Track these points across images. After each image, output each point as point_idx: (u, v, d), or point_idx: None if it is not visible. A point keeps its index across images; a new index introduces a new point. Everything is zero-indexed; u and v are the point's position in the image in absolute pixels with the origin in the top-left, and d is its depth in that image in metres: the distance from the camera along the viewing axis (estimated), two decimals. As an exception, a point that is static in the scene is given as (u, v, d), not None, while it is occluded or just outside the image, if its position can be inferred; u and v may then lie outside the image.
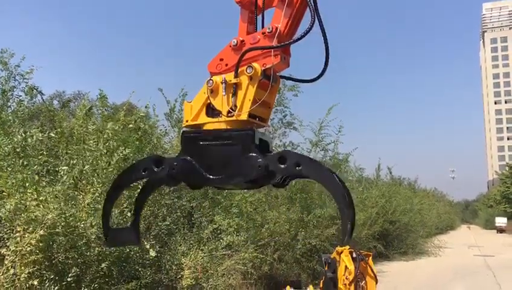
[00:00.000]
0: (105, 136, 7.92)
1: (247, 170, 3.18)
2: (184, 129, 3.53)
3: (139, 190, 4.05)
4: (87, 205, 7.09)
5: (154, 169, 3.44)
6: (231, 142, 3.25)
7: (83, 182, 7.49)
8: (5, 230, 5.94)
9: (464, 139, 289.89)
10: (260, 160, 3.16)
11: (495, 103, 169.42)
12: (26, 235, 5.74)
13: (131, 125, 8.61)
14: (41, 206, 5.97)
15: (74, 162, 7.33)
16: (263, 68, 3.23)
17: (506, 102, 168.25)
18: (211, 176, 3.29)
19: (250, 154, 3.19)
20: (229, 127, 3.28)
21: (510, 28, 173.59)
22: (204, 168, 3.30)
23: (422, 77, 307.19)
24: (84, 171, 7.30)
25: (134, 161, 8.23)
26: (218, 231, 10.49)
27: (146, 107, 9.93)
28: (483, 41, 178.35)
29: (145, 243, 7.81)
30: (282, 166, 3.16)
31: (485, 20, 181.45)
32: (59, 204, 6.19)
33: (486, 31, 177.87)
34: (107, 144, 7.81)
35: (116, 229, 4.50)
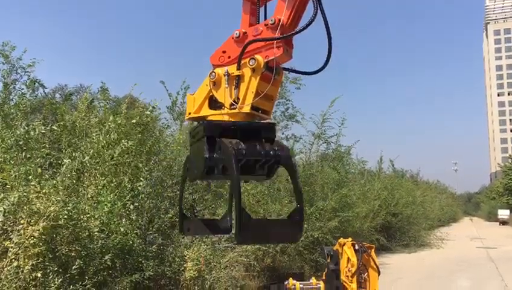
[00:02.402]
0: (106, 128, 7.92)
1: (198, 163, 3.18)
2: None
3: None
4: (90, 197, 7.11)
5: None
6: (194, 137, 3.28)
7: (86, 174, 7.50)
8: (9, 223, 5.95)
9: (467, 132, 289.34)
10: (206, 153, 3.13)
11: (498, 95, 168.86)
12: (29, 228, 5.76)
13: (134, 121, 8.61)
14: (43, 198, 5.99)
15: (76, 154, 7.34)
16: (266, 60, 3.21)
17: (509, 94, 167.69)
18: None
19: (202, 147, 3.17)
20: (232, 120, 3.27)
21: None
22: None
23: (423, 69, 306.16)
24: (85, 164, 7.31)
25: (135, 154, 8.25)
26: (221, 224, 10.50)
27: (154, 107, 9.81)
28: (486, 33, 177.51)
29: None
30: (217, 156, 3.13)
31: (488, 11, 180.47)
32: (60, 196, 6.20)
33: (489, 23, 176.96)
34: (107, 136, 7.81)
35: (196, 219, 4.58)
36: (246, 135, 3.25)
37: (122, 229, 7.10)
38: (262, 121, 3.53)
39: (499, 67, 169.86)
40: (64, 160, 7.05)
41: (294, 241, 4.06)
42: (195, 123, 3.46)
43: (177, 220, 9.69)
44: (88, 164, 7.43)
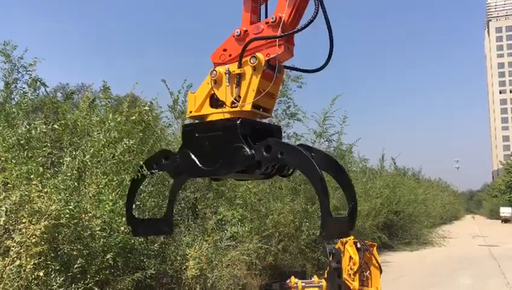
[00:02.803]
0: (106, 126, 7.91)
1: (234, 160, 3.18)
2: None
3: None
4: (92, 196, 7.11)
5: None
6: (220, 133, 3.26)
7: (87, 173, 7.50)
8: (11, 222, 5.95)
9: (469, 129, 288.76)
10: (247, 150, 3.14)
11: (500, 93, 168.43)
12: (30, 227, 5.76)
13: (133, 118, 8.60)
14: (44, 197, 5.98)
15: (77, 153, 7.34)
16: (267, 58, 3.21)
17: (511, 91, 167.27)
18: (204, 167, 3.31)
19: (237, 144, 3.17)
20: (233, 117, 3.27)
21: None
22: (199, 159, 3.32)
23: (425, 66, 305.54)
24: (85, 162, 7.30)
25: (137, 152, 8.25)
26: (223, 222, 10.52)
27: (151, 102, 9.88)
28: (488, 30, 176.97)
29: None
30: (266, 155, 3.15)
31: (489, 8, 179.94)
32: (61, 195, 6.20)
33: (491, 20, 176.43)
34: (108, 134, 7.80)
35: (144, 219, 4.64)
36: (263, 135, 3.27)
37: (122, 228, 7.09)
38: (270, 123, 3.55)
39: (501, 65, 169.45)
40: (65, 158, 7.04)
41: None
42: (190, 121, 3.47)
43: (178, 219, 9.72)
44: (89, 163, 7.42)
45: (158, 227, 3.98)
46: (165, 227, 3.88)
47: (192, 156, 3.29)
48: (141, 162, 5.26)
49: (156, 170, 3.88)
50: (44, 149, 7.12)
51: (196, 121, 3.50)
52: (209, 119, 3.37)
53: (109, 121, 7.93)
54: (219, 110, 3.34)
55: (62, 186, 6.34)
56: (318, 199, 3.15)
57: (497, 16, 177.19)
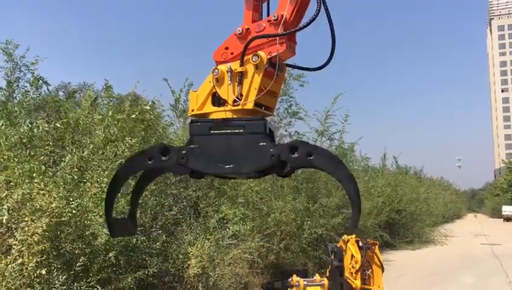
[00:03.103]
0: (105, 123, 7.92)
1: (259, 159, 3.18)
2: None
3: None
4: (94, 194, 7.12)
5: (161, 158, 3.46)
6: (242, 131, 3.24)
7: (89, 171, 7.51)
8: (13, 220, 5.97)
9: (471, 128, 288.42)
10: (272, 149, 3.15)
11: (502, 91, 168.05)
12: (32, 225, 5.77)
13: (134, 116, 8.61)
14: (46, 195, 6.00)
15: (77, 150, 7.36)
16: (269, 56, 3.20)
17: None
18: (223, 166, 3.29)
19: (262, 143, 3.18)
20: (235, 116, 3.26)
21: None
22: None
23: (426, 65, 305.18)
24: (85, 158, 7.30)
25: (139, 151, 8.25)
26: (225, 221, 10.53)
27: (153, 102, 9.88)
28: (490, 29, 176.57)
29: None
30: (293, 156, 3.15)
31: (492, 7, 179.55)
32: (62, 193, 6.21)
33: (493, 18, 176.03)
34: (107, 130, 7.82)
35: (119, 219, 4.53)
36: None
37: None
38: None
39: (503, 63, 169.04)
40: (66, 156, 7.06)
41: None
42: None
43: (181, 217, 9.73)
44: (89, 160, 7.43)
45: (127, 227, 3.88)
46: (131, 227, 3.81)
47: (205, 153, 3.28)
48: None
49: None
50: (46, 148, 7.14)
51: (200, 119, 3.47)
52: (211, 117, 3.36)
53: (108, 118, 7.94)
54: (221, 108, 3.33)
55: (61, 183, 6.35)
56: (350, 199, 3.23)
57: (500, 14, 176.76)
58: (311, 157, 3.12)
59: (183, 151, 3.32)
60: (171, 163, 3.37)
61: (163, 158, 3.37)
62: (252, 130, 3.21)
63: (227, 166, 3.27)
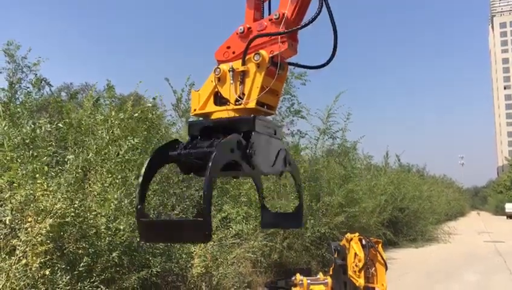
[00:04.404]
0: (109, 123, 7.94)
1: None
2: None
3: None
4: (97, 195, 7.13)
5: None
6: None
7: (92, 172, 7.53)
8: (16, 221, 5.98)
9: (473, 125, 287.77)
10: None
11: (504, 88, 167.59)
12: (36, 226, 5.79)
13: (136, 115, 8.62)
14: (49, 196, 6.01)
15: (80, 151, 7.37)
16: (271, 55, 3.20)
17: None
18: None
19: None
20: (237, 115, 3.26)
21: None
22: None
23: (427, 62, 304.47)
24: (90, 160, 7.32)
25: (141, 151, 8.26)
26: (227, 220, 10.53)
27: (154, 98, 9.94)
28: (492, 26, 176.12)
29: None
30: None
31: (494, 3, 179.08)
32: (66, 193, 6.22)
33: (495, 15, 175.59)
34: (111, 131, 7.83)
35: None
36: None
37: (121, 227, 7.10)
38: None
39: (506, 60, 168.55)
40: (68, 157, 7.07)
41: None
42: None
43: (184, 216, 9.73)
44: (93, 161, 7.44)
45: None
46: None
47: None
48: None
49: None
50: (49, 148, 7.15)
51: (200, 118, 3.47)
52: (215, 116, 3.35)
53: (112, 119, 7.95)
54: (223, 107, 3.33)
55: (66, 184, 6.36)
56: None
57: (501, 11, 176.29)
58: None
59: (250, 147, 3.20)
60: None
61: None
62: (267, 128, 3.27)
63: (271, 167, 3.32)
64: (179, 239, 3.64)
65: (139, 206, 3.05)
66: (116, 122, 7.97)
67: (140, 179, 3.02)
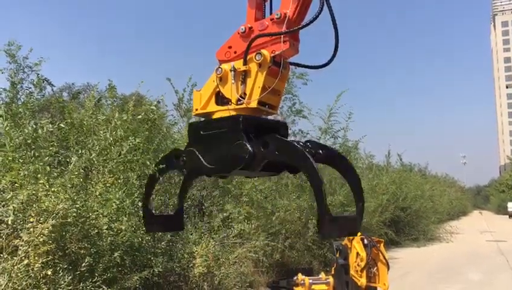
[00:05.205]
0: (112, 124, 7.94)
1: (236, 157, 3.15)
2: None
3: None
4: (99, 195, 7.13)
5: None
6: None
7: (94, 172, 7.53)
8: (18, 221, 5.98)
9: (475, 124, 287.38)
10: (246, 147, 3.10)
11: (506, 87, 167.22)
12: (38, 226, 5.79)
13: (139, 117, 8.62)
14: (52, 196, 6.01)
15: (83, 152, 7.37)
16: (272, 55, 3.19)
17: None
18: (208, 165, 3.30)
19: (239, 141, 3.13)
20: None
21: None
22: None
23: (429, 62, 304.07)
24: (92, 161, 7.32)
25: (143, 151, 8.26)
26: (229, 220, 10.53)
27: (158, 102, 9.89)
28: (494, 25, 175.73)
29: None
30: (264, 150, 3.12)
31: (495, 2, 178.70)
32: (68, 194, 6.23)
33: (497, 14, 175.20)
34: (114, 132, 7.83)
35: (158, 215, 4.65)
36: (268, 132, 3.25)
37: (123, 227, 7.11)
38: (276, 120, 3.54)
39: (507, 59, 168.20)
40: (72, 158, 7.07)
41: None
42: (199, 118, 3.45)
43: (185, 217, 9.73)
44: (96, 162, 7.44)
45: (170, 224, 4.00)
46: (177, 224, 3.90)
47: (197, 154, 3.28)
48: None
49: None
50: (51, 148, 7.15)
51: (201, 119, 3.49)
52: (214, 116, 3.35)
53: (115, 120, 7.95)
54: (224, 107, 3.33)
55: (69, 185, 6.36)
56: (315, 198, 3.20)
57: (503, 10, 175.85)
58: (278, 152, 3.09)
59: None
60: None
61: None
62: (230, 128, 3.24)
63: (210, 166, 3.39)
64: None
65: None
66: (119, 122, 7.97)
67: None
